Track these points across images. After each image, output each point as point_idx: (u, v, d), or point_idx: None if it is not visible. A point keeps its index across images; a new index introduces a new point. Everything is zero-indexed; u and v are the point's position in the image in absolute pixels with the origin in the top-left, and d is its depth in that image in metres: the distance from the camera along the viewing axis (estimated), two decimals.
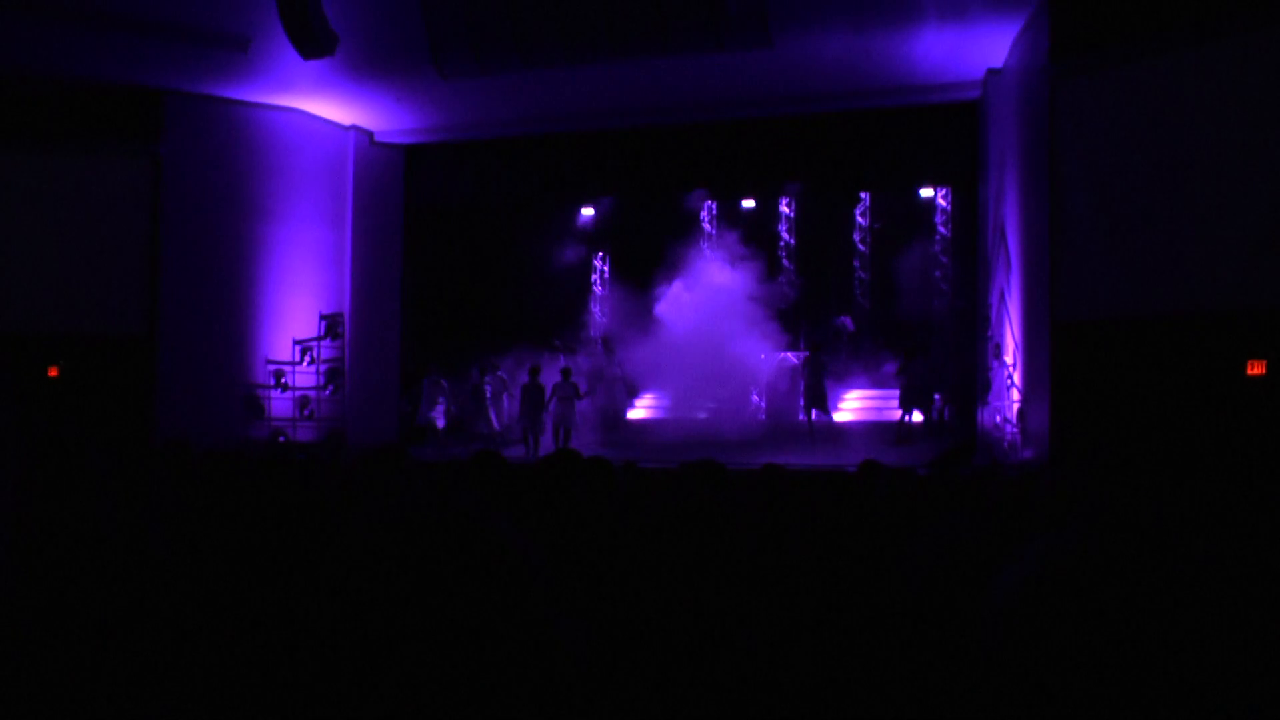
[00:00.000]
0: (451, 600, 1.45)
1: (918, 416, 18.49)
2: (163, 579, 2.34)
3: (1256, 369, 12.39)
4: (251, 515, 3.18)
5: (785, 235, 24.82)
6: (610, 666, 2.14)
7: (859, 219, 24.25)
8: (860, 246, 24.21)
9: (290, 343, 20.33)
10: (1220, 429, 12.31)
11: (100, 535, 2.38)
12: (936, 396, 18.83)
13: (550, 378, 20.02)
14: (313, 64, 17.37)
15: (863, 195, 23.99)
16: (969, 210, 20.26)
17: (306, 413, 20.37)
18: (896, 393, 18.80)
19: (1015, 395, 15.98)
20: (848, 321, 22.28)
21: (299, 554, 2.65)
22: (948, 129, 19.32)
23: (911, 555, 1.75)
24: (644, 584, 2.35)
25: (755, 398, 20.95)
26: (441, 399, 20.71)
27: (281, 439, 19.85)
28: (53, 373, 18.77)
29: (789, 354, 21.59)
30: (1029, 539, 1.29)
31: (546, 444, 19.16)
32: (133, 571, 2.32)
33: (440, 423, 20.64)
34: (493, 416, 20.72)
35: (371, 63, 18.30)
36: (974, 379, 18.43)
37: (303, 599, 2.22)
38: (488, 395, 20.86)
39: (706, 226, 25.53)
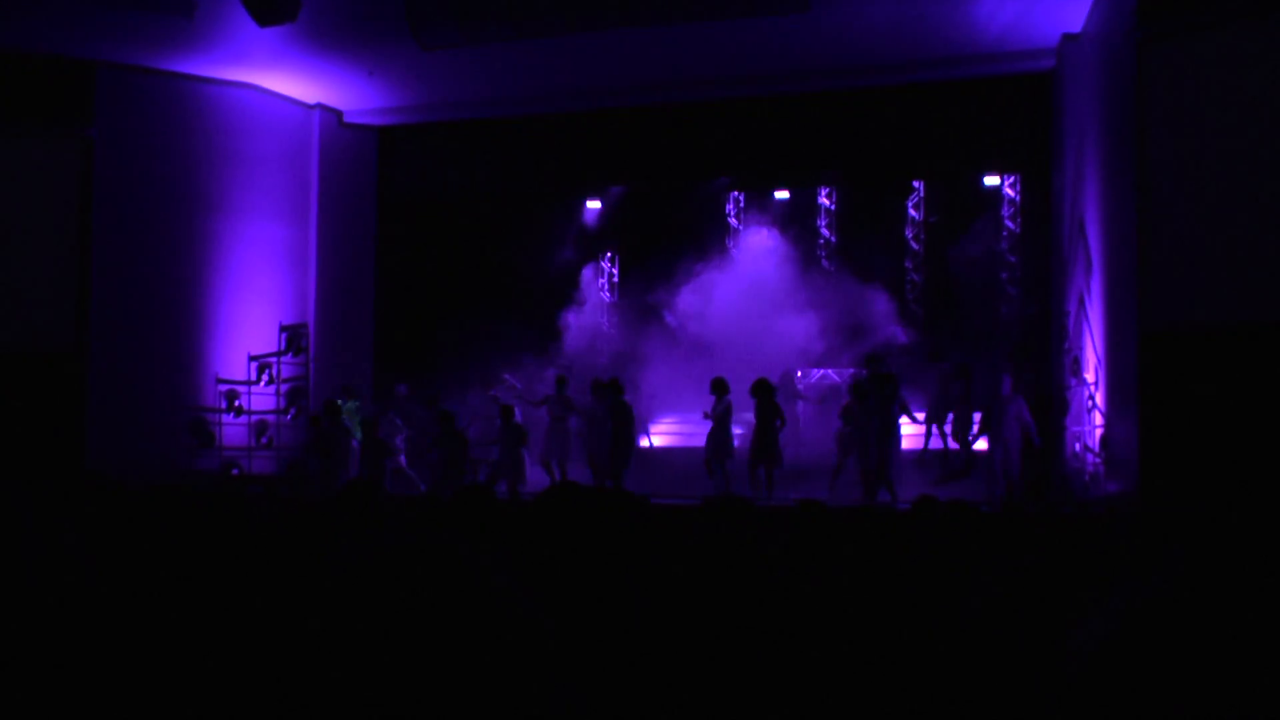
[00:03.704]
0: (435, 658, 1.46)
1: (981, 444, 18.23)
2: (91, 633, 2.34)
3: None
4: (198, 561, 3.18)
5: (825, 231, 24.81)
6: None
7: (911, 212, 24.24)
8: (913, 244, 24.20)
9: (245, 359, 20.36)
10: None
11: (18, 589, 2.38)
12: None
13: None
14: (270, 32, 17.42)
15: (916, 184, 23.97)
16: (1041, 201, 20.23)
17: (264, 440, 20.40)
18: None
19: (1098, 418, 15.92)
20: (898, 332, 22.26)
21: (254, 606, 2.65)
22: (1016, 106, 19.31)
23: (970, 602, 1.75)
24: (659, 639, 2.34)
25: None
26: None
27: (234, 471, 19.87)
28: None
29: (830, 370, 21.56)
30: (1110, 585, 1.29)
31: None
32: (56, 625, 2.32)
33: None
34: (408, 472, 19.32)
35: (339, 31, 18.35)
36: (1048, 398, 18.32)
37: (258, 656, 2.22)
38: (398, 442, 19.47)
39: (733, 221, 25.55)
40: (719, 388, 18.14)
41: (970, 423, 17.97)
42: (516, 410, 19.60)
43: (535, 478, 18.84)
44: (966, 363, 18.73)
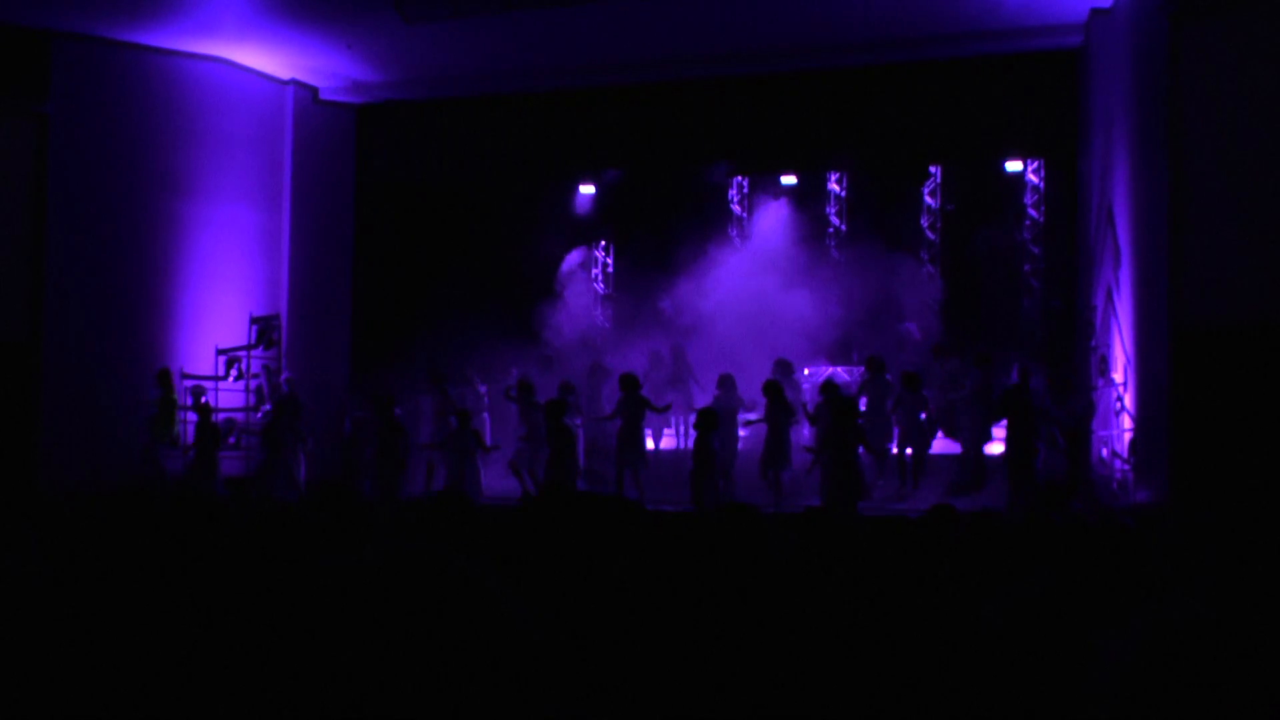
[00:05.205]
0: (423, 668, 1.46)
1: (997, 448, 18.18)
2: (45, 651, 2.35)
3: None
4: (160, 571, 3.18)
5: (835, 219, 24.82)
6: None
7: (928, 199, 24.24)
8: (929, 234, 24.19)
9: (213, 352, 20.32)
10: None
11: None
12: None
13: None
14: (241, 1, 17.40)
15: (933, 169, 23.97)
16: (1067, 187, 20.21)
17: (232, 440, 20.33)
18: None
19: (1126, 421, 15.93)
20: (913, 328, 22.22)
21: (222, 618, 2.65)
22: (1040, 85, 19.27)
23: (991, 617, 1.76)
24: (659, 656, 2.35)
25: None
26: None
27: None
28: None
29: (839, 369, 21.55)
30: (1141, 601, 1.30)
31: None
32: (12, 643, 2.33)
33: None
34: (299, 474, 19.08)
35: (315, 0, 18.30)
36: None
37: (226, 673, 2.23)
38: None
39: (736, 208, 25.55)
40: (627, 384, 18.12)
41: (925, 437, 18.12)
42: (487, 415, 19.66)
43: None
44: (916, 372, 18.59)
